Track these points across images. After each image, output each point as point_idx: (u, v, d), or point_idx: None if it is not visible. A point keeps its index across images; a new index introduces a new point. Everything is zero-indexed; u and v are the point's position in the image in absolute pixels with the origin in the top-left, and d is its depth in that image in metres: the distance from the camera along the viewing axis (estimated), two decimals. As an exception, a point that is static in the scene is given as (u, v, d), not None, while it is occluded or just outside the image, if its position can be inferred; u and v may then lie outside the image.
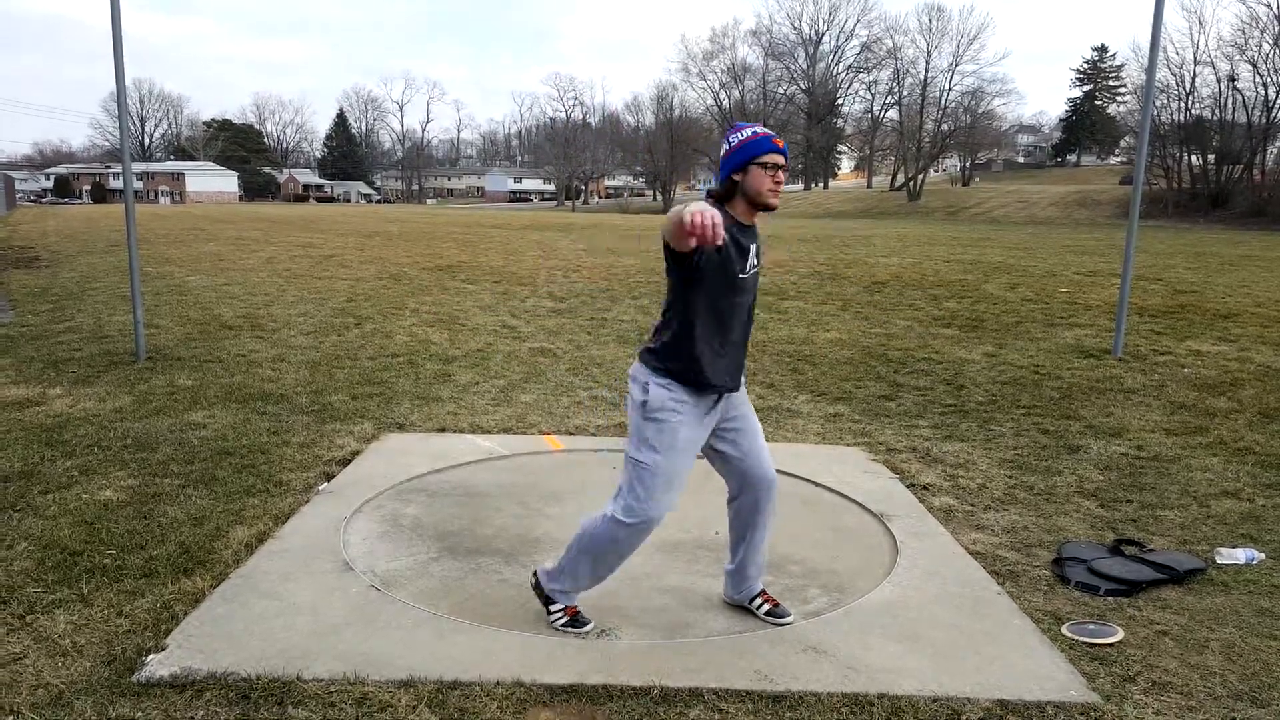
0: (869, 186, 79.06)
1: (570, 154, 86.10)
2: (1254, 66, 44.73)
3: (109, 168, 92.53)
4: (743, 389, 2.90)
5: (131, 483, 4.15)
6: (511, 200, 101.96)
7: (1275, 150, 47.09)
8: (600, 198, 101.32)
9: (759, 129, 2.68)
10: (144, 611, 2.90)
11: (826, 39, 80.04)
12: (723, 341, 2.71)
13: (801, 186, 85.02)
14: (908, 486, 4.38)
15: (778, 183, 2.65)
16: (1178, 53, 48.15)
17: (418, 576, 3.26)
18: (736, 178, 2.64)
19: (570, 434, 5.19)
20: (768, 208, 2.68)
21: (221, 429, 5.07)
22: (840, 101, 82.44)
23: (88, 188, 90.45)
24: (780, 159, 2.64)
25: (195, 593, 3.04)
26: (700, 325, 2.67)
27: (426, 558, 3.43)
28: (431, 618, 2.92)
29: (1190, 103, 47.59)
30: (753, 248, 2.73)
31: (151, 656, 2.61)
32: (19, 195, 58.77)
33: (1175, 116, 47.82)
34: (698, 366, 2.68)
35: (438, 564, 3.37)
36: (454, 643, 2.76)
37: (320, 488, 4.15)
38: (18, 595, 3.00)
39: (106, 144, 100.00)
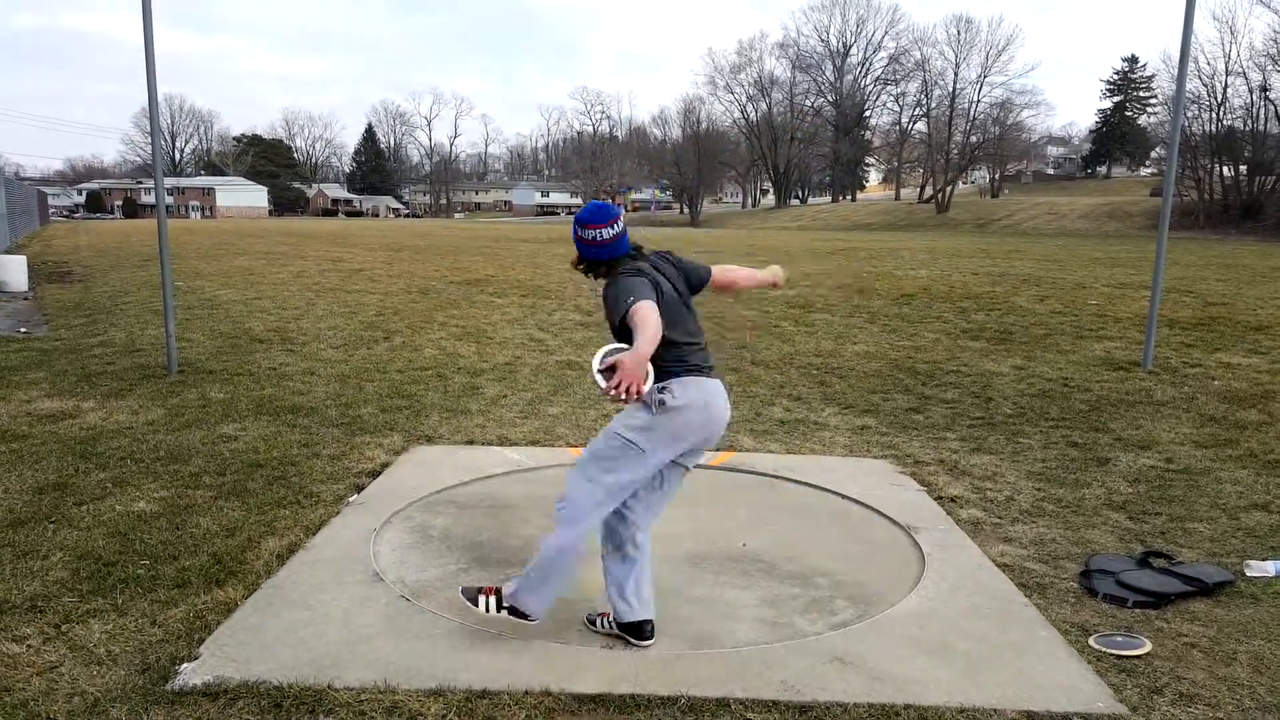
0: (897, 199, 78.64)
1: (597, 167, 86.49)
2: (1287, 76, 44.08)
3: (140, 183, 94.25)
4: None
5: (164, 494, 4.24)
6: (539, 214, 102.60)
7: (1309, 161, 46.24)
8: (628, 211, 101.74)
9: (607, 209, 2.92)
10: (177, 621, 2.97)
11: (854, 51, 79.92)
12: None
13: (829, 199, 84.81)
14: (935, 499, 4.36)
15: None
16: (1209, 63, 47.51)
17: (447, 587, 3.30)
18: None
19: (595, 446, 5.22)
20: None
21: (253, 441, 5.16)
22: (868, 114, 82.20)
23: (119, 203, 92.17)
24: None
25: (228, 603, 3.10)
26: None
27: (456, 568, 3.47)
28: (461, 628, 2.96)
29: (1222, 113, 46.98)
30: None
31: (185, 665, 2.67)
32: (51, 211, 60.09)
33: (1207, 127, 47.20)
34: None
35: (467, 575, 3.42)
36: (483, 652, 2.79)
37: (350, 499, 4.22)
38: (54, 605, 3.08)
39: (138, 159, 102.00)
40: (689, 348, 2.83)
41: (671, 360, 2.76)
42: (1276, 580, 3.41)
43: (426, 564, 3.51)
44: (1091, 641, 2.91)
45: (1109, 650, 2.85)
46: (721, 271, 3.14)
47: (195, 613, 3.02)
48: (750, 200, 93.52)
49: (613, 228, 2.84)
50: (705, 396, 2.79)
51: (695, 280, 3.00)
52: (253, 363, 7.57)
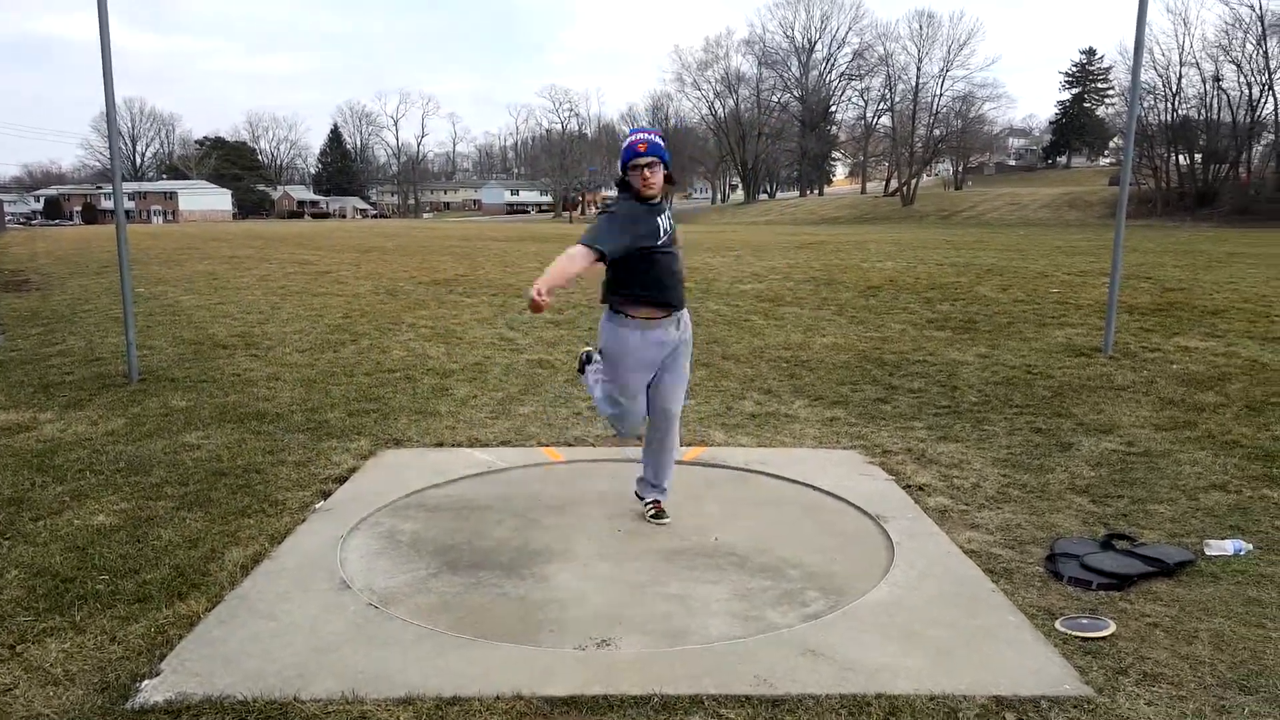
0: (863, 192, 79.31)
1: (566, 165, 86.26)
2: (1238, 66, 45.20)
3: (100, 188, 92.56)
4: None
5: (124, 506, 4.15)
6: (509, 212, 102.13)
7: (1260, 149, 47.39)
8: (597, 209, 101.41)
9: (636, 135, 3.54)
10: (137, 637, 2.90)
11: (819, 47, 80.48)
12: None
13: (797, 194, 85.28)
14: (903, 488, 4.40)
15: (645, 180, 3.52)
16: (1164, 54, 48.56)
17: (416, 593, 3.27)
18: (625, 176, 3.54)
19: (569, 445, 5.21)
20: (646, 199, 3.56)
21: (216, 449, 5.08)
22: (834, 109, 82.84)
23: (79, 209, 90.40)
24: (645, 160, 3.50)
25: (190, 616, 3.04)
26: None
27: (425, 573, 3.44)
28: (430, 633, 2.93)
29: (1177, 103, 48.03)
30: (661, 219, 3.59)
31: (145, 682, 2.61)
32: (8, 218, 58.72)
33: (1162, 117, 48.17)
34: None
35: (436, 579, 3.39)
36: (453, 658, 2.77)
37: (317, 506, 4.16)
38: (8, 624, 2.99)
39: (97, 164, 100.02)
40: None
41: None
42: (1235, 559, 3.48)
43: (395, 570, 3.47)
44: (1058, 625, 2.96)
45: (1075, 633, 2.89)
46: None
47: (156, 627, 2.96)
48: (719, 196, 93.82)
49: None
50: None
51: None
52: (216, 369, 7.45)
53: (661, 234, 3.56)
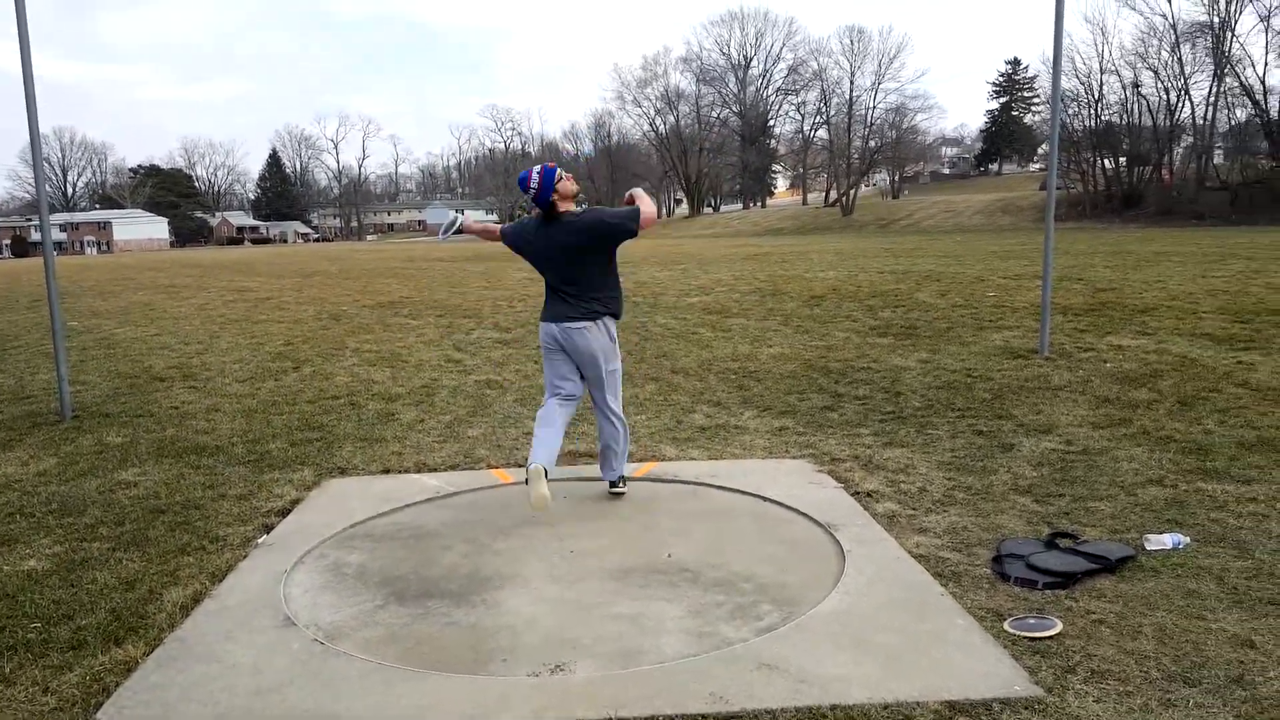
0: (804, 203, 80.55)
1: (511, 183, 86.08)
2: (1155, 73, 46.99)
3: (30, 220, 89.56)
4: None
5: (57, 550, 3.99)
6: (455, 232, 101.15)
7: (1180, 151, 49.32)
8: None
9: (528, 173, 4.27)
10: (72, 687, 2.78)
11: (755, 63, 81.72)
12: None
13: (740, 206, 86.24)
14: (852, 495, 4.45)
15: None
16: (1084, 63, 50.25)
17: (363, 626, 3.19)
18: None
19: (519, 466, 5.15)
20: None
21: (153, 486, 4.91)
22: (772, 123, 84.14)
23: (8, 241, 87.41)
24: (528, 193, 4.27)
25: (128, 661, 2.92)
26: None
27: (372, 605, 3.36)
28: (378, 668, 2.86)
29: (1100, 109, 49.73)
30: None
31: (84, 730, 2.51)
32: (-68, 254, 56.44)
33: (1086, 123, 49.88)
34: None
35: (384, 611, 3.31)
36: (402, 692, 2.71)
37: (259, 541, 4.04)
38: (-64, 677, 2.86)
39: (26, 195, 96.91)
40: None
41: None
42: (1174, 552, 3.58)
43: (341, 603, 3.39)
44: (1006, 626, 3.00)
45: (1023, 633, 2.94)
46: None
47: (92, 675, 2.84)
48: (664, 210, 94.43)
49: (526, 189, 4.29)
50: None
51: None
52: (153, 403, 7.22)
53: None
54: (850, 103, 73.74)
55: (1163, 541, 3.66)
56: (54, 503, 4.67)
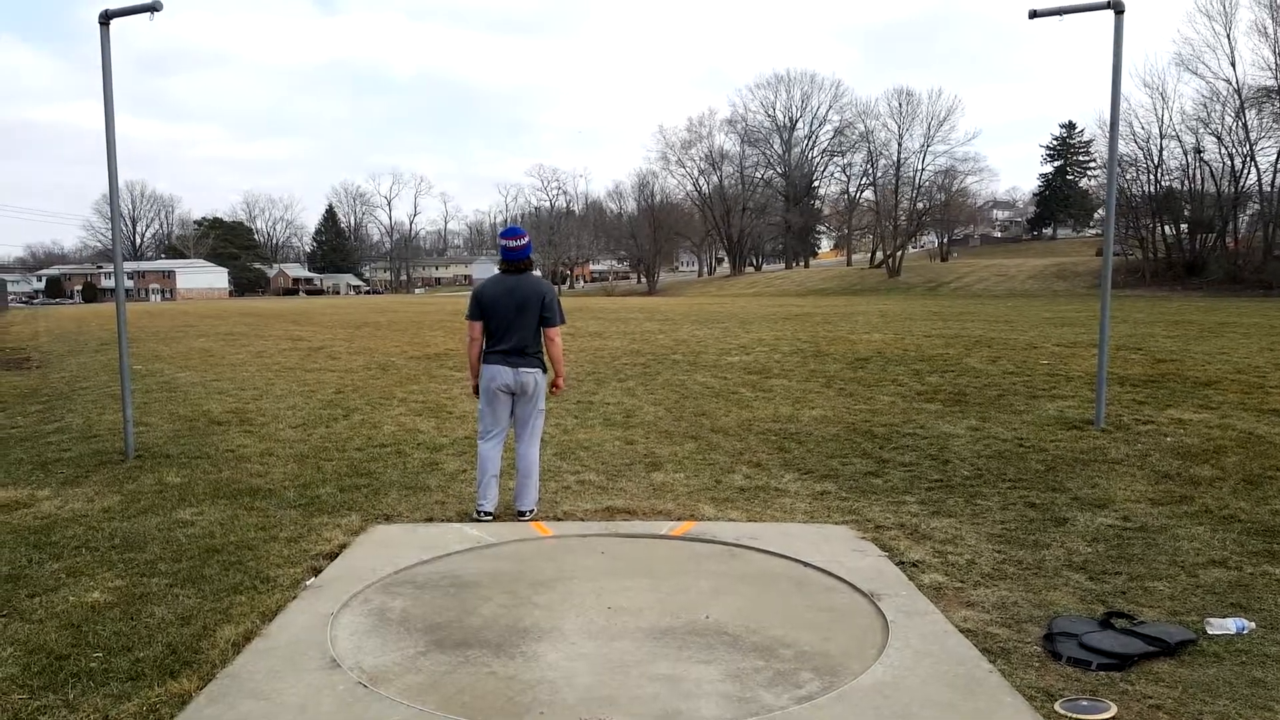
0: (849, 264, 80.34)
1: (555, 240, 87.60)
2: (1218, 138, 46.21)
3: (100, 267, 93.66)
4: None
5: (119, 583, 4.12)
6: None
7: (1246, 218, 48.28)
8: (585, 282, 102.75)
9: (521, 229, 5.12)
10: (130, 715, 2.87)
11: (800, 125, 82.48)
12: None
13: (783, 266, 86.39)
14: (897, 564, 4.38)
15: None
16: (1143, 127, 49.46)
17: (405, 671, 3.22)
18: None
19: (558, 519, 5.19)
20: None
21: (209, 526, 5.05)
22: (816, 183, 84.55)
23: (79, 288, 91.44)
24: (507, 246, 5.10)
25: (182, 694, 3.00)
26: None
27: (414, 651, 3.40)
28: (419, 714, 2.88)
29: (1160, 175, 48.98)
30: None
31: (134, 764, 2.57)
32: (10, 297, 59.20)
33: (1146, 188, 49.16)
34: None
35: (426, 658, 3.34)
36: (442, 740, 2.72)
37: (307, 583, 4.12)
38: (2, 703, 2.97)
39: (98, 245, 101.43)
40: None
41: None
42: (1238, 638, 3.45)
43: (384, 648, 3.43)
44: (1057, 707, 2.92)
45: (1075, 715, 2.86)
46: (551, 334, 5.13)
47: (149, 706, 2.92)
48: (706, 268, 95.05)
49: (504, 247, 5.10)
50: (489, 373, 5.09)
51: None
52: (210, 445, 7.44)
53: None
54: (898, 164, 73.82)
55: (1226, 626, 3.53)
56: (117, 538, 4.82)
